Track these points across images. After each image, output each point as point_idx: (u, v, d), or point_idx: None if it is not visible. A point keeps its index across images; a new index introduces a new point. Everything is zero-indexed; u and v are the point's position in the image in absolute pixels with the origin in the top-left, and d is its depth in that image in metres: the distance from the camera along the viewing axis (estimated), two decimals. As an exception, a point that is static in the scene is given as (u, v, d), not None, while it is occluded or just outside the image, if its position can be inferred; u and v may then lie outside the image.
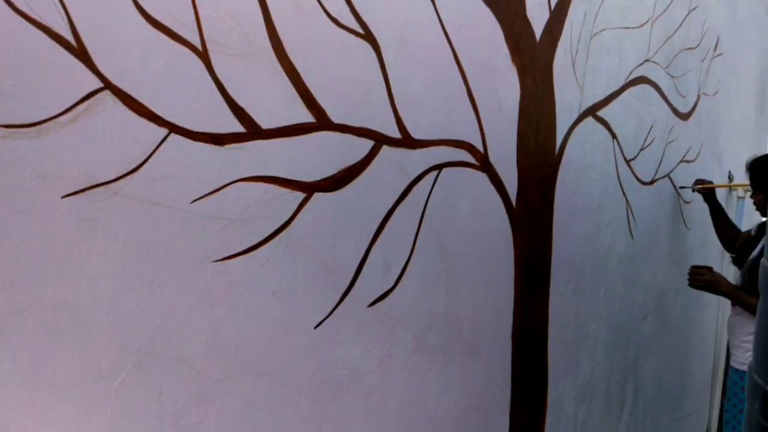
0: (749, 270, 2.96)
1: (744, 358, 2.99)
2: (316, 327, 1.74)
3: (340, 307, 1.80)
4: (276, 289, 1.63)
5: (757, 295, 2.79)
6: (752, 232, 3.23)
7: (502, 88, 2.28)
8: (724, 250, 4.10)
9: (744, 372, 2.95)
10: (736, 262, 3.28)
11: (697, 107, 3.69)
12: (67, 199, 1.23)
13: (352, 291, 1.83)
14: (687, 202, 3.65)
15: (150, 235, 1.36)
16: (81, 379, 1.28)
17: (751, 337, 2.80)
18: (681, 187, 3.58)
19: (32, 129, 1.18)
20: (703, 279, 3.03)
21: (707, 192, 3.54)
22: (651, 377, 3.60)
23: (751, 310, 2.86)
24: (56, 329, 1.24)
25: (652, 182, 3.33)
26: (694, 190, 3.58)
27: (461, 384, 2.25)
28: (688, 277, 3.09)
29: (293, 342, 1.69)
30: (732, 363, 3.08)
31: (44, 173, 1.20)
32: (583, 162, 2.75)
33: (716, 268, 4.08)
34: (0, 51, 1.13)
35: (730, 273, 3.93)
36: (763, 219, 3.35)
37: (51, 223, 1.22)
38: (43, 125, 1.19)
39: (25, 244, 1.19)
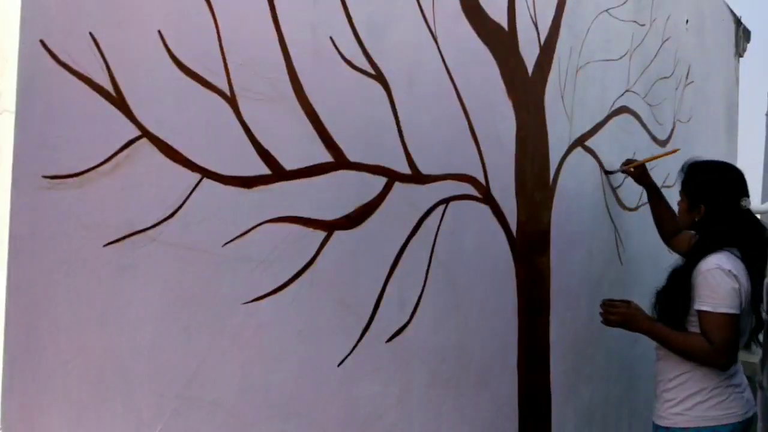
0: (660, 299, 2.41)
1: (662, 411, 2.36)
2: (339, 365, 1.75)
3: (360, 343, 1.81)
4: (302, 328, 1.64)
5: (677, 326, 2.28)
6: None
7: (500, 122, 2.34)
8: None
9: (665, 429, 2.33)
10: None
11: (673, 134, 3.81)
12: (108, 247, 1.24)
13: (371, 327, 1.85)
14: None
15: (186, 279, 1.37)
16: (124, 428, 1.27)
17: (669, 383, 2.33)
18: (608, 173, 3.09)
19: (76, 179, 1.19)
20: (618, 312, 2.43)
21: (639, 172, 3.01)
22: (644, 400, 3.65)
23: (677, 347, 2.30)
24: (100, 378, 1.24)
25: (636, 208, 3.41)
26: (622, 171, 3.09)
27: (473, 416, 2.26)
28: (600, 312, 2.52)
29: (318, 381, 1.70)
30: (653, 419, 2.42)
31: (87, 222, 1.20)
32: (575, 191, 2.82)
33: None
34: (45, 103, 1.15)
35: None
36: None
37: (94, 272, 1.22)
38: (86, 175, 1.20)
39: (70, 294, 1.19)
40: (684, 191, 2.49)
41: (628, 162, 3.07)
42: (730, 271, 2.21)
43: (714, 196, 2.38)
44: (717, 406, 2.27)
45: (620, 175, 3.20)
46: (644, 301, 3.50)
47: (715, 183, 2.40)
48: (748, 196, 2.41)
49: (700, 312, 2.24)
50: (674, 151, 3.28)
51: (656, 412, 2.40)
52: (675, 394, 2.32)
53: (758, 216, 2.75)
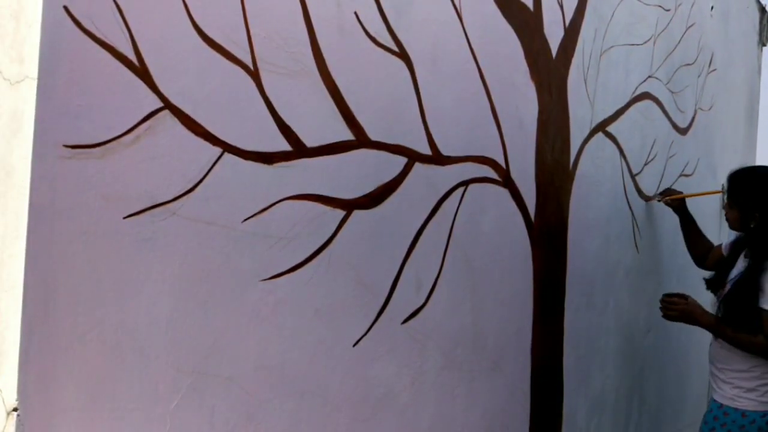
0: (726, 302, 2.58)
1: (732, 393, 2.53)
2: (354, 345, 1.74)
3: (375, 324, 1.80)
4: (318, 307, 1.62)
5: (741, 327, 2.46)
6: (724, 251, 2.87)
7: (522, 104, 2.31)
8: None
9: (728, 407, 2.52)
10: (710, 286, 2.78)
11: (694, 122, 3.76)
12: (128, 219, 1.22)
13: (387, 308, 1.83)
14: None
15: (205, 254, 1.35)
16: (140, 402, 1.27)
17: (740, 374, 2.51)
18: (647, 199, 3.25)
19: (97, 149, 1.17)
20: (677, 309, 2.64)
21: (678, 203, 3.16)
22: (654, 389, 3.64)
23: (736, 343, 2.51)
24: (117, 351, 1.23)
25: (655, 196, 3.37)
26: (659, 201, 3.23)
27: (486, 400, 2.25)
28: (660, 307, 2.73)
29: (333, 360, 1.68)
30: (714, 396, 2.61)
31: (108, 193, 1.19)
32: (594, 177, 2.79)
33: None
34: (67, 71, 1.12)
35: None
36: (733, 236, 2.82)
37: (113, 244, 1.21)
38: (108, 145, 1.18)
39: (90, 266, 1.17)
40: (734, 202, 2.62)
41: (667, 192, 3.20)
42: None
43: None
44: None
45: (640, 163, 3.16)
46: (659, 290, 3.48)
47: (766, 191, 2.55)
48: None
49: (762, 310, 2.42)
50: (718, 192, 3.47)
51: (723, 394, 2.55)
52: (749, 383, 2.49)
53: None
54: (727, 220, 2.73)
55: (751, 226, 2.55)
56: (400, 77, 1.81)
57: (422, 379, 1.97)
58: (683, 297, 2.64)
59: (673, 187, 3.39)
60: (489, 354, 2.25)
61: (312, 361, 1.62)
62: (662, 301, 2.69)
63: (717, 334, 2.58)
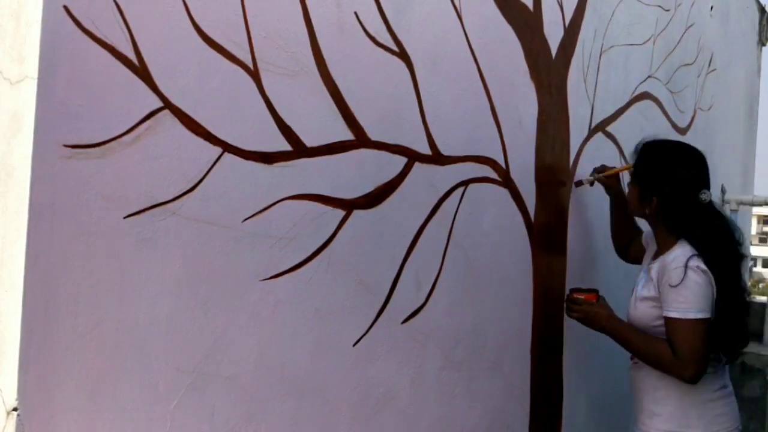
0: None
1: (653, 425, 2.09)
2: (354, 345, 1.74)
3: (375, 324, 1.80)
4: (318, 307, 1.62)
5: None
6: (645, 243, 2.38)
7: (522, 104, 2.31)
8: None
9: None
10: None
11: (694, 122, 3.76)
12: (128, 219, 1.22)
13: (387, 308, 1.83)
14: None
15: (205, 254, 1.35)
16: (140, 402, 1.27)
17: (660, 394, 2.08)
18: (578, 184, 2.63)
19: (97, 149, 1.17)
20: (580, 310, 2.20)
21: (610, 181, 2.54)
22: (654, 389, 3.63)
23: (650, 359, 2.05)
24: (117, 351, 1.23)
25: (587, 179, 3.33)
26: (593, 180, 2.57)
27: (485, 400, 2.25)
28: (564, 305, 2.33)
29: (333, 360, 1.68)
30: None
31: (108, 193, 1.19)
32: (594, 177, 2.78)
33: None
34: (67, 71, 1.12)
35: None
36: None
37: (113, 244, 1.21)
38: (108, 145, 1.18)
39: (90, 266, 1.17)
40: (635, 177, 2.16)
41: (602, 169, 2.57)
42: None
43: (668, 187, 2.05)
44: (714, 420, 2.06)
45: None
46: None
47: (669, 171, 2.07)
48: (708, 187, 2.10)
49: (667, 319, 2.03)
50: None
51: (644, 427, 2.15)
52: (662, 408, 2.08)
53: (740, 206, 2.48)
54: (628, 199, 2.26)
55: (646, 212, 2.08)
56: (400, 77, 1.81)
57: (422, 379, 1.97)
58: (593, 293, 2.21)
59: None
60: (489, 354, 2.24)
61: (312, 360, 1.62)
62: (566, 299, 2.28)
63: (626, 345, 2.13)
